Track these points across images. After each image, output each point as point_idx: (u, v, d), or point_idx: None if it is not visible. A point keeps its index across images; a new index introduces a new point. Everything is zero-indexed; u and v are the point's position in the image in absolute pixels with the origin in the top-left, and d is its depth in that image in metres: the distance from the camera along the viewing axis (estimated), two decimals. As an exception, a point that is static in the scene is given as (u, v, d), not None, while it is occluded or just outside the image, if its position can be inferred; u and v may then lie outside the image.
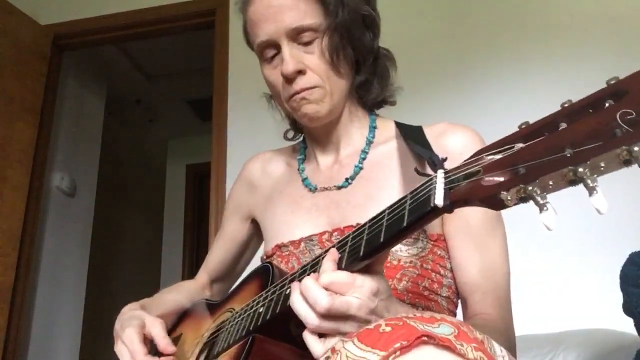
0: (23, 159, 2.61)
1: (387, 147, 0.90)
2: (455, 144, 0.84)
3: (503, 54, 2.29)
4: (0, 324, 2.37)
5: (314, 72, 0.84)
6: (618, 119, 0.41)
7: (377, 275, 0.60)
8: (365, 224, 0.62)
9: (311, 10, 0.82)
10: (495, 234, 0.83)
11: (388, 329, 0.49)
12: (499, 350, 0.61)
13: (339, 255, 0.62)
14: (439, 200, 0.51)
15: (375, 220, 0.60)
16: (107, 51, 3.47)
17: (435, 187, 0.53)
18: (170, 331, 0.96)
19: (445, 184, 0.52)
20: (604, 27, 2.20)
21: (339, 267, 0.60)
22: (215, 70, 2.61)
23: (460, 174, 0.51)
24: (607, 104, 0.43)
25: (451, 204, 0.51)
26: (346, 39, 0.84)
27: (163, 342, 0.80)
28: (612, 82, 0.44)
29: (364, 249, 0.58)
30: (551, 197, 0.45)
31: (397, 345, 0.47)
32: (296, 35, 0.83)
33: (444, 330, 0.50)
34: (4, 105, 2.55)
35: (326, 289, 0.58)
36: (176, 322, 0.97)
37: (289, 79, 0.84)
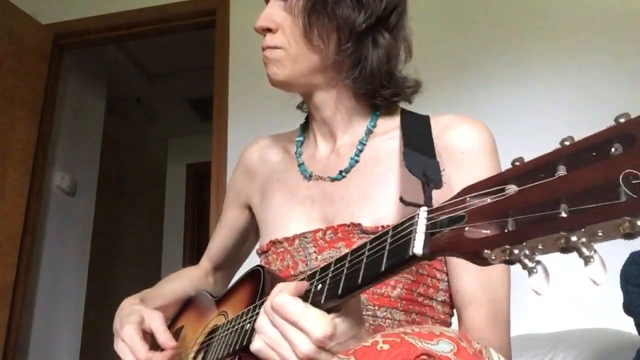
0: (23, 158, 2.61)
1: (387, 139, 0.85)
2: (457, 142, 0.79)
3: (507, 51, 2.29)
4: (1, 323, 2.37)
5: (284, 33, 0.81)
6: (621, 181, 0.34)
7: (347, 315, 0.57)
8: (346, 256, 0.58)
9: None
10: None
11: (386, 346, 0.48)
12: (497, 358, 0.61)
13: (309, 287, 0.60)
14: (417, 248, 0.47)
15: (356, 255, 0.56)
16: (108, 50, 3.47)
17: (416, 229, 0.49)
18: (172, 322, 0.95)
19: (427, 226, 0.48)
20: (608, 23, 2.20)
21: (316, 302, 0.58)
22: (215, 69, 2.61)
23: (445, 216, 0.47)
24: (613, 149, 0.36)
25: (431, 253, 0.47)
26: (326, 9, 0.79)
27: (163, 337, 0.79)
28: (622, 119, 0.37)
29: (342, 287, 0.55)
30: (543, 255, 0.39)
31: None
32: None
33: (443, 347, 0.49)
34: (5, 105, 2.55)
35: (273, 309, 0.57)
36: (178, 313, 0.96)
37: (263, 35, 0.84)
